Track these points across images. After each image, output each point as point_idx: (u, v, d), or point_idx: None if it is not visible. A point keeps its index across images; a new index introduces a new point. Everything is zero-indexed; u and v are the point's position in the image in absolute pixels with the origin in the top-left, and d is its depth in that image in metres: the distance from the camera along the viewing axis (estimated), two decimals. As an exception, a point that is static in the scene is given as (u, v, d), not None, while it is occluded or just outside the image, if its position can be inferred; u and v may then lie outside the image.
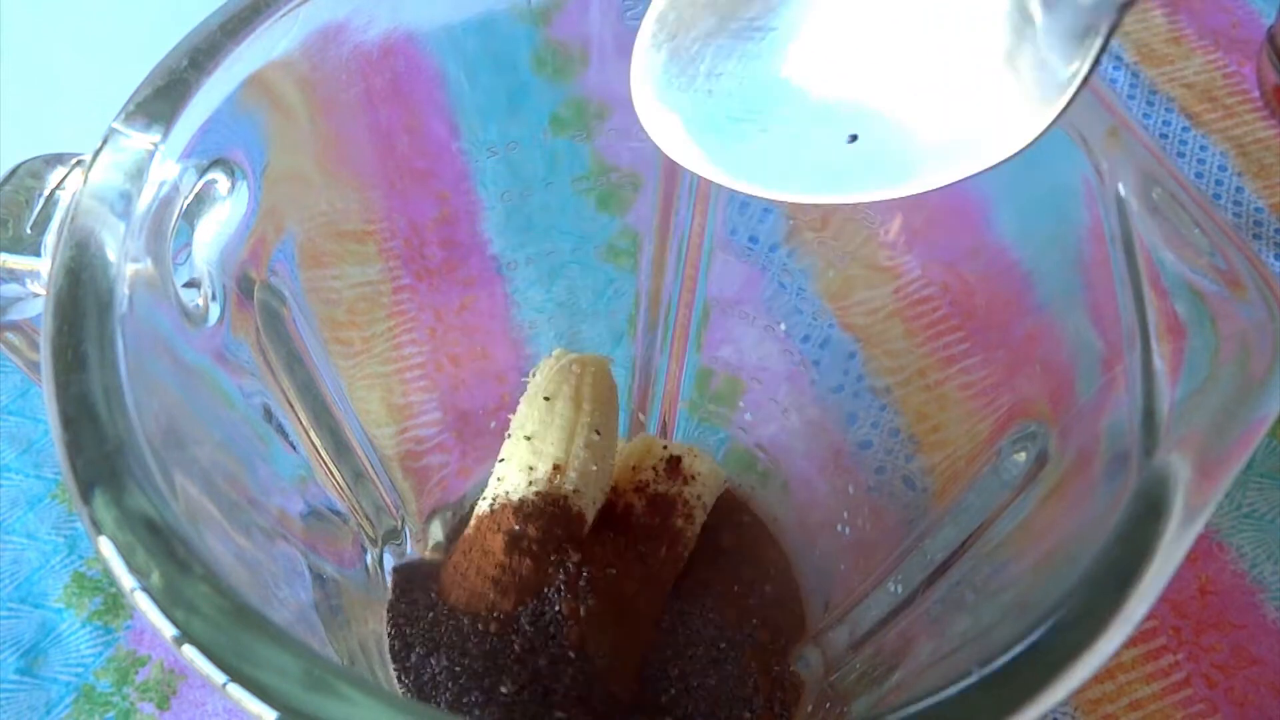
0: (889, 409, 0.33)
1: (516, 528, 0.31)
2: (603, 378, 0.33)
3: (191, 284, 0.23)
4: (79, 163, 0.22)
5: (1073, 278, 0.24)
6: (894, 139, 0.21)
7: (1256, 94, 0.52)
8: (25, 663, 0.37)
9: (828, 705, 0.32)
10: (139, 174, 0.21)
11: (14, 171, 0.22)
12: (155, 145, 0.21)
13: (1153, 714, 0.36)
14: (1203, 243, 0.21)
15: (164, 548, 0.17)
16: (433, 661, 0.31)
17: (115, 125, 0.21)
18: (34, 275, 0.22)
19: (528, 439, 0.32)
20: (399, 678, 0.31)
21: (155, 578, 0.16)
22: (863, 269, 0.32)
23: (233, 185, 0.24)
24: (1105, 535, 0.18)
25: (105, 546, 0.17)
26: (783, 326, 0.35)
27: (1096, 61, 0.18)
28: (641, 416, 0.40)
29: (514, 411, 0.33)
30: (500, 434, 0.33)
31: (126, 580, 0.16)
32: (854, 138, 0.21)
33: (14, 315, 0.24)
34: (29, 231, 0.22)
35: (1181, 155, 0.50)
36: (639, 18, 0.23)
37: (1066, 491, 0.23)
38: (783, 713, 0.33)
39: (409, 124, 0.30)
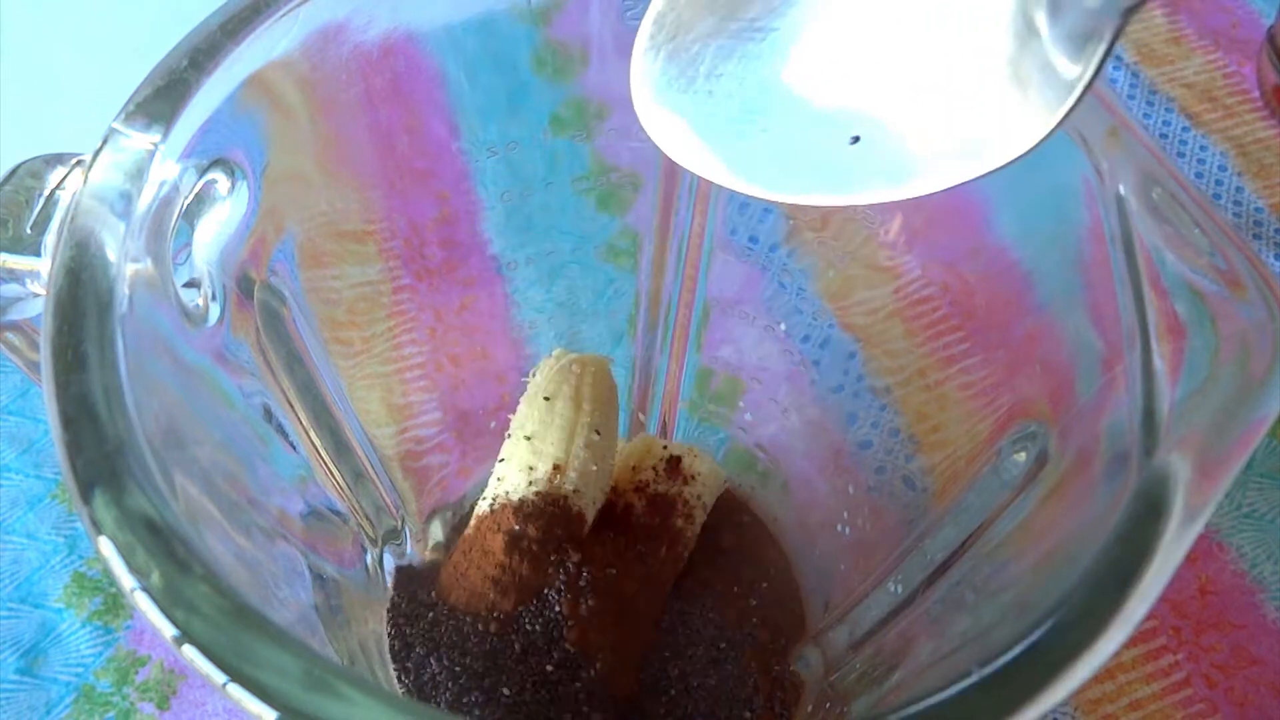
0: (889, 409, 0.33)
1: (516, 528, 0.31)
2: (603, 378, 0.33)
3: (191, 284, 0.23)
4: (79, 163, 0.22)
5: (1073, 278, 0.24)
6: (896, 141, 0.21)
7: (1256, 94, 0.52)
8: (25, 663, 0.37)
9: (828, 705, 0.32)
10: (139, 174, 0.21)
11: (14, 171, 0.22)
12: (155, 145, 0.21)
13: (1153, 714, 0.36)
14: (1203, 243, 0.21)
15: (164, 548, 0.17)
16: (433, 661, 0.31)
17: (115, 125, 0.21)
18: (34, 275, 0.22)
19: (528, 439, 0.32)
20: (399, 678, 0.31)
21: (155, 578, 0.16)
22: (863, 269, 0.32)
23: (233, 185, 0.24)
24: (1105, 535, 0.18)
25: (105, 546, 0.17)
26: (783, 326, 0.35)
27: (1100, 67, 0.18)
28: (641, 416, 0.40)
29: (514, 411, 0.33)
30: (500, 434, 0.33)
31: (126, 580, 0.16)
32: (856, 139, 0.21)
33: (14, 315, 0.24)
34: (29, 231, 0.22)
35: (1181, 155, 0.50)
36: (639, 18, 0.23)
37: (1066, 491, 0.23)
38: (783, 713, 0.33)
39: (409, 124, 0.30)
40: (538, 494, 0.31)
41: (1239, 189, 0.49)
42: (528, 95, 0.31)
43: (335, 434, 0.31)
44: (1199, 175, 0.49)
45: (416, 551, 0.36)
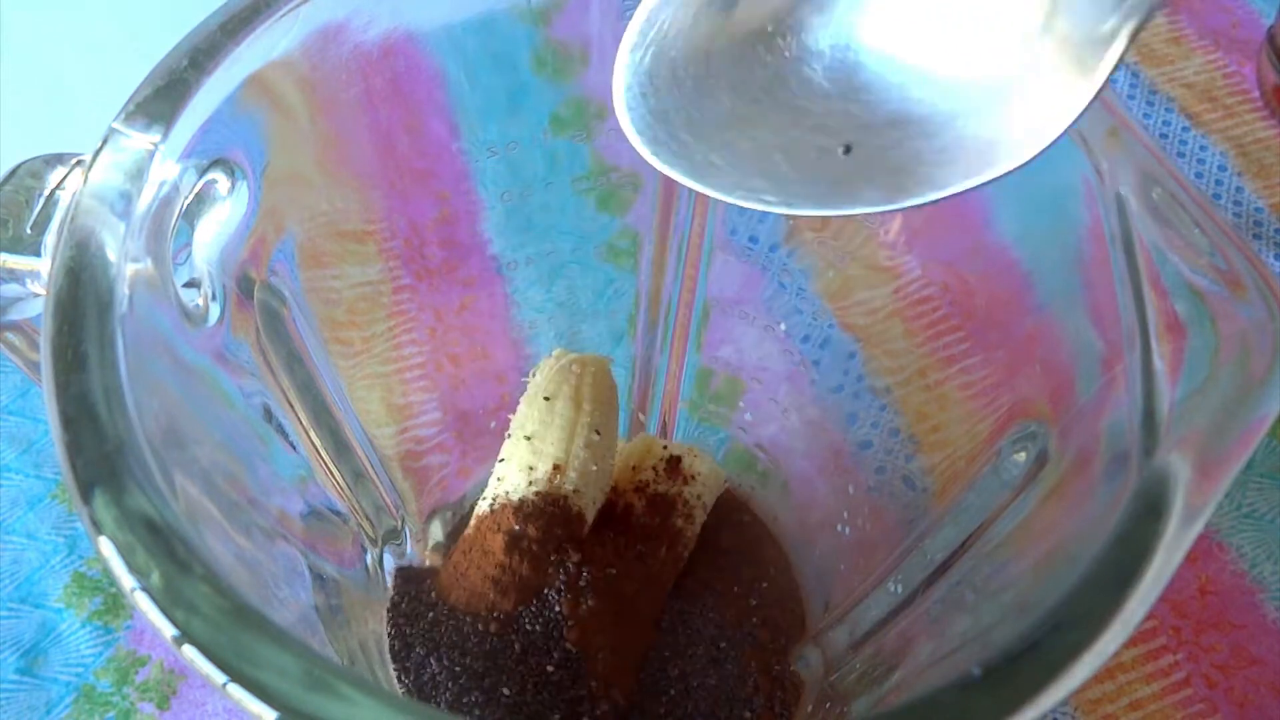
0: (889, 409, 0.33)
1: (516, 528, 0.31)
2: (603, 378, 0.33)
3: (191, 284, 0.23)
4: (79, 163, 0.22)
5: (1073, 278, 0.24)
6: (892, 149, 0.20)
7: (1256, 94, 0.52)
8: (25, 663, 0.37)
9: (828, 705, 0.32)
10: (139, 174, 0.21)
11: (14, 171, 0.22)
12: (155, 145, 0.21)
13: (1153, 714, 0.36)
14: (1203, 243, 0.21)
15: (164, 548, 0.17)
16: (433, 661, 0.31)
17: (115, 125, 0.21)
18: (34, 275, 0.22)
19: (528, 439, 0.32)
20: (399, 678, 0.31)
21: (155, 578, 0.16)
22: (863, 269, 0.32)
23: (233, 185, 0.24)
24: (1105, 535, 0.18)
25: (105, 546, 0.17)
26: (783, 326, 0.35)
27: (1108, 77, 0.18)
28: (641, 416, 0.40)
29: (514, 411, 0.33)
30: (500, 434, 0.33)
31: (126, 580, 0.16)
32: (848, 148, 0.20)
33: (14, 315, 0.24)
34: (29, 231, 0.22)
35: (1181, 155, 0.50)
36: (639, 18, 0.23)
37: (1066, 491, 0.23)
38: (783, 713, 0.33)
39: (409, 124, 0.30)
40: (538, 494, 0.31)
41: (1239, 189, 0.49)
42: (528, 95, 0.31)
43: (335, 434, 0.31)
44: (1199, 175, 0.49)
45: (416, 551, 0.36)
